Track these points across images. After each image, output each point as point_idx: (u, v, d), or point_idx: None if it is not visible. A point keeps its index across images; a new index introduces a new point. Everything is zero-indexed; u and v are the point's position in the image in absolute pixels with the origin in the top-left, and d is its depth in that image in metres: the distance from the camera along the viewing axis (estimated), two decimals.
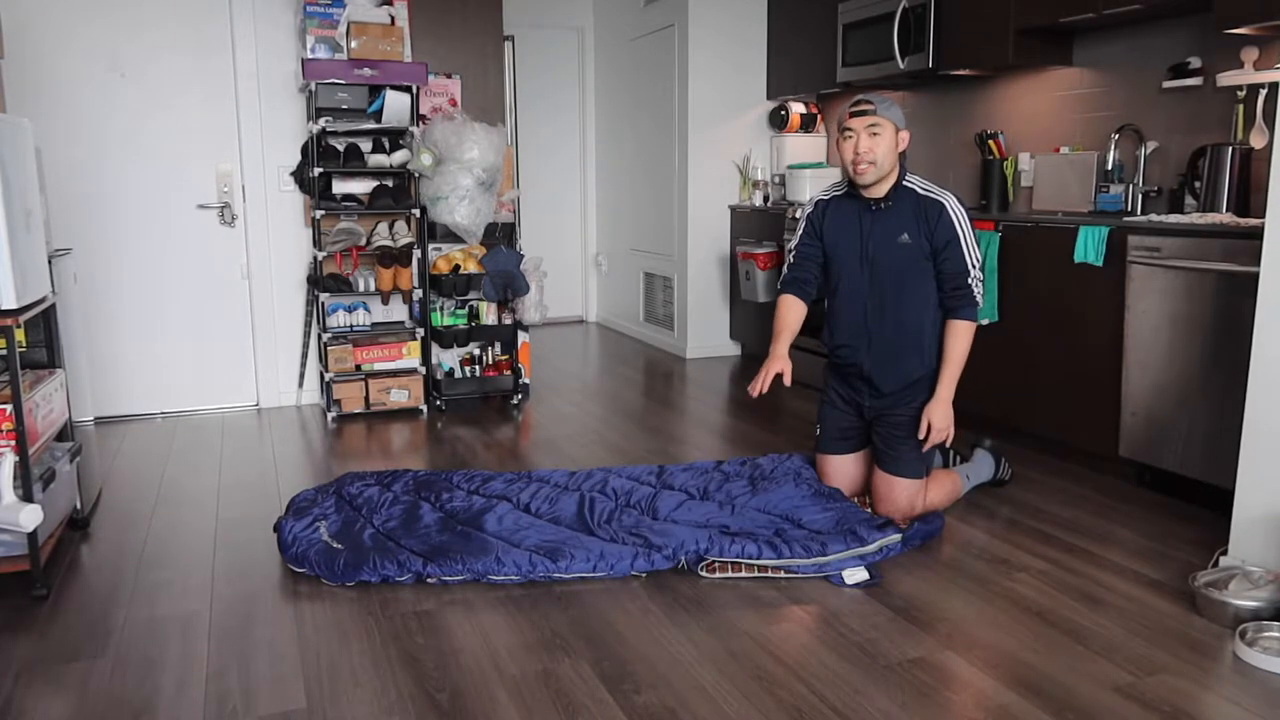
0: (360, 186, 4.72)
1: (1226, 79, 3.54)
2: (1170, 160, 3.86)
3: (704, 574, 2.72)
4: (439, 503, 3.12)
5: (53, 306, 3.04)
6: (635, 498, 3.14)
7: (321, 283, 4.57)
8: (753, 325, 5.88)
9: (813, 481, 3.19)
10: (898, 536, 2.80)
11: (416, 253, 4.63)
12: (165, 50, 4.54)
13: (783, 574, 2.71)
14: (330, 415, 4.60)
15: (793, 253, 3.23)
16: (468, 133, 4.39)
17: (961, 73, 4.63)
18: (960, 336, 2.96)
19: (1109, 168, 4.04)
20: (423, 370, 4.71)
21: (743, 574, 2.71)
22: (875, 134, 2.92)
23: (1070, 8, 3.83)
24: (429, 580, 2.70)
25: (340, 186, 4.68)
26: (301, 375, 4.91)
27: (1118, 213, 3.91)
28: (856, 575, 2.68)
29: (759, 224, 5.74)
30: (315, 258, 4.57)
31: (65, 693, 2.14)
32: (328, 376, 4.57)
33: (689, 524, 2.91)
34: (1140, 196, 3.94)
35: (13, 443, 2.56)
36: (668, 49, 6.18)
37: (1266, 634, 2.30)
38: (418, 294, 4.71)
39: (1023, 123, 4.58)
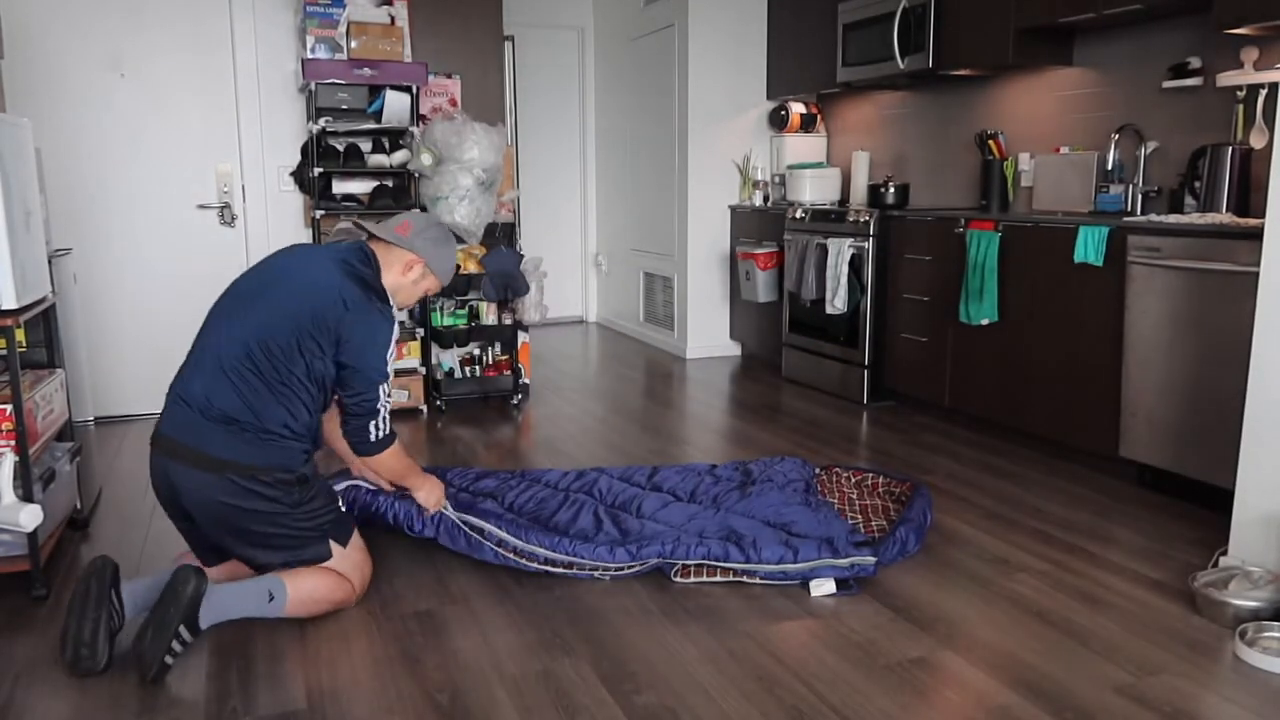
0: (360, 186, 4.72)
1: (1226, 79, 3.54)
2: (1170, 160, 3.86)
3: (677, 579, 2.69)
4: None
5: (53, 306, 3.04)
6: (621, 498, 3.13)
7: None
8: (753, 325, 5.88)
9: (801, 487, 3.18)
10: (873, 559, 2.67)
11: None
12: (165, 50, 4.54)
13: (757, 580, 2.66)
14: None
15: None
16: (468, 133, 4.39)
17: (961, 73, 4.63)
18: None
19: (1109, 168, 4.04)
20: (423, 370, 4.71)
21: (717, 579, 2.68)
22: None
23: (1070, 7, 3.83)
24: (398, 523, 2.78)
25: (340, 186, 4.68)
26: None
27: (1118, 213, 3.91)
28: (824, 587, 2.61)
29: (759, 224, 5.74)
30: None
31: (65, 693, 2.14)
32: None
33: (667, 525, 2.89)
34: (1140, 196, 3.94)
35: (13, 443, 2.55)
36: (668, 49, 6.18)
37: (1267, 634, 2.30)
38: None
39: (1023, 123, 4.58)
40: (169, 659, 2.18)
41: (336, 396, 2.54)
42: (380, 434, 2.53)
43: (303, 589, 2.41)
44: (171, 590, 2.21)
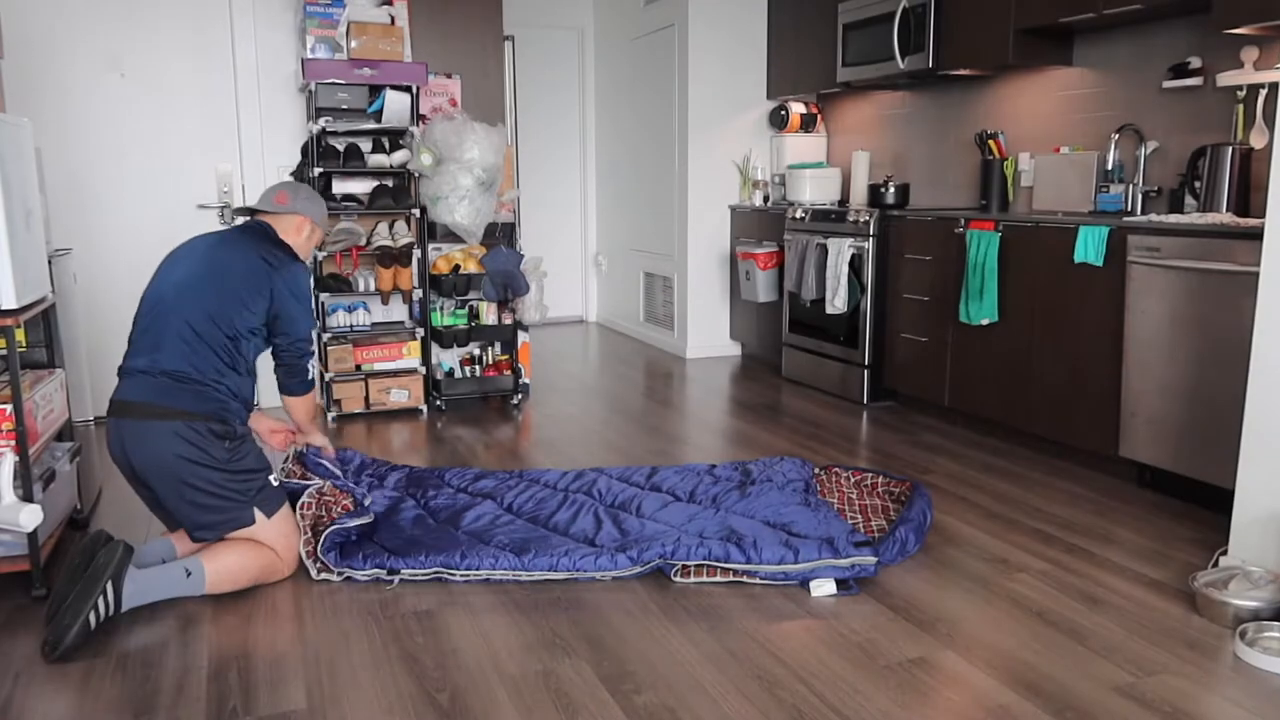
0: (360, 186, 4.72)
1: (1226, 79, 3.54)
2: (1170, 160, 3.86)
3: (677, 579, 2.69)
4: (423, 499, 3.13)
5: (52, 306, 3.04)
6: (621, 498, 3.13)
7: (321, 283, 4.56)
8: (753, 325, 5.88)
9: (800, 487, 3.18)
10: (874, 559, 2.66)
11: (416, 253, 4.63)
12: (165, 50, 4.54)
13: (757, 580, 2.66)
14: (330, 415, 4.60)
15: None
16: (468, 133, 4.39)
17: (961, 72, 4.63)
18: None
19: (1109, 168, 4.04)
20: (423, 370, 4.71)
21: (717, 578, 2.68)
22: None
23: (1070, 7, 3.83)
24: (392, 575, 2.70)
25: (340, 186, 4.68)
26: None
27: (1118, 213, 3.92)
28: (824, 588, 2.61)
29: (759, 224, 5.74)
30: (315, 258, 4.57)
31: (65, 693, 2.14)
32: (328, 376, 4.57)
33: (667, 525, 2.89)
34: (1140, 196, 3.94)
35: (13, 443, 2.56)
36: (668, 49, 6.18)
37: (1267, 634, 2.30)
38: (418, 294, 4.71)
39: (1023, 123, 4.58)
40: (92, 618, 2.30)
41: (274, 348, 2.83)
42: (314, 373, 2.90)
43: (220, 562, 2.58)
44: (92, 547, 2.42)
